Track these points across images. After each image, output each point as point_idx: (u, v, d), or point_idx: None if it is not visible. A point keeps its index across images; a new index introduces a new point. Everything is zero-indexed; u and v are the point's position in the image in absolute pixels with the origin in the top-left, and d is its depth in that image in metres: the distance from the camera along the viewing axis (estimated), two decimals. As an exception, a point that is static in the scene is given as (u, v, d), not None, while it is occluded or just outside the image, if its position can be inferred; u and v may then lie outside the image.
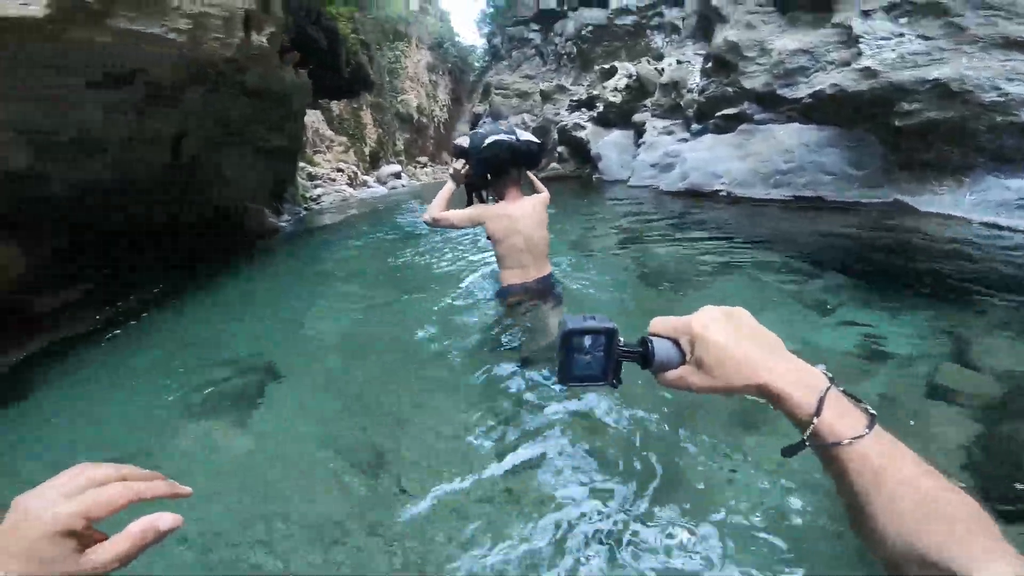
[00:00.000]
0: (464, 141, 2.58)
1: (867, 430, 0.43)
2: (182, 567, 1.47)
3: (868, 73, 5.00)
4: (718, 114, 7.27)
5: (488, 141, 2.41)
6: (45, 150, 4.48)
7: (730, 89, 6.90)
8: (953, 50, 4.52)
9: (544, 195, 2.66)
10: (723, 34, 6.82)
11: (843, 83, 5.21)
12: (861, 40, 5.10)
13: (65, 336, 4.04)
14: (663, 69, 10.32)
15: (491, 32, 21.68)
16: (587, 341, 0.55)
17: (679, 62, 9.56)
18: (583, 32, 14.86)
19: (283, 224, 9.90)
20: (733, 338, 0.49)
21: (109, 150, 5.21)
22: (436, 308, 3.37)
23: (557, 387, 2.14)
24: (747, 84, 6.51)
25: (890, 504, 0.41)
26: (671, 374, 0.53)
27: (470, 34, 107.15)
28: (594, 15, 14.17)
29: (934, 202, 4.89)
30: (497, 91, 19.09)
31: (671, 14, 12.00)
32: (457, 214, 2.48)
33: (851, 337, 2.63)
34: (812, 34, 5.70)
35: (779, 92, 6.07)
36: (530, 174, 2.71)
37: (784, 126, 6.08)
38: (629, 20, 13.41)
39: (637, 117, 10.84)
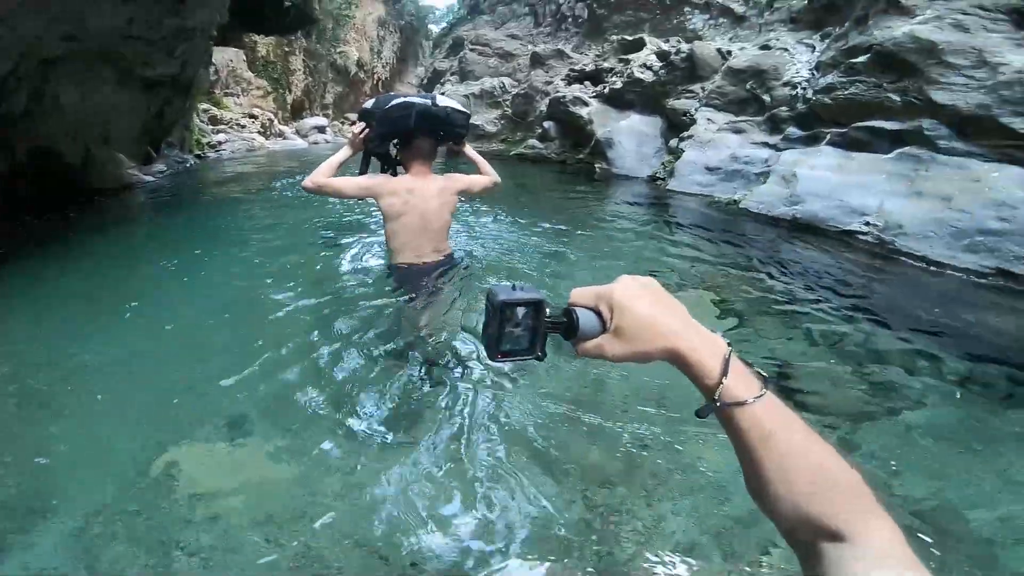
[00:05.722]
0: (369, 101, 2.38)
1: (764, 391, 0.48)
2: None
3: None
4: (858, 124, 5.27)
5: (394, 102, 2.23)
6: None
7: (896, 97, 4.93)
8: None
9: (478, 179, 2.50)
10: (905, 28, 4.91)
11: None
12: None
13: None
14: (731, 51, 8.28)
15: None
16: (519, 313, 0.55)
17: (765, 47, 7.53)
18: (604, -7, 12.51)
19: (149, 178, 7.01)
20: (650, 306, 0.53)
21: None
22: (321, 303, 2.78)
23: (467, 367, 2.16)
24: (941, 99, 4.63)
25: (781, 470, 0.46)
26: (590, 343, 0.56)
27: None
28: (621, -28, 11.86)
29: None
30: (473, 47, 16.21)
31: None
32: (346, 181, 2.29)
33: None
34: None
35: (1003, 121, 4.22)
36: (472, 152, 2.54)
37: (1000, 167, 4.26)
38: (666, -12, 11.27)
39: (677, 103, 8.76)
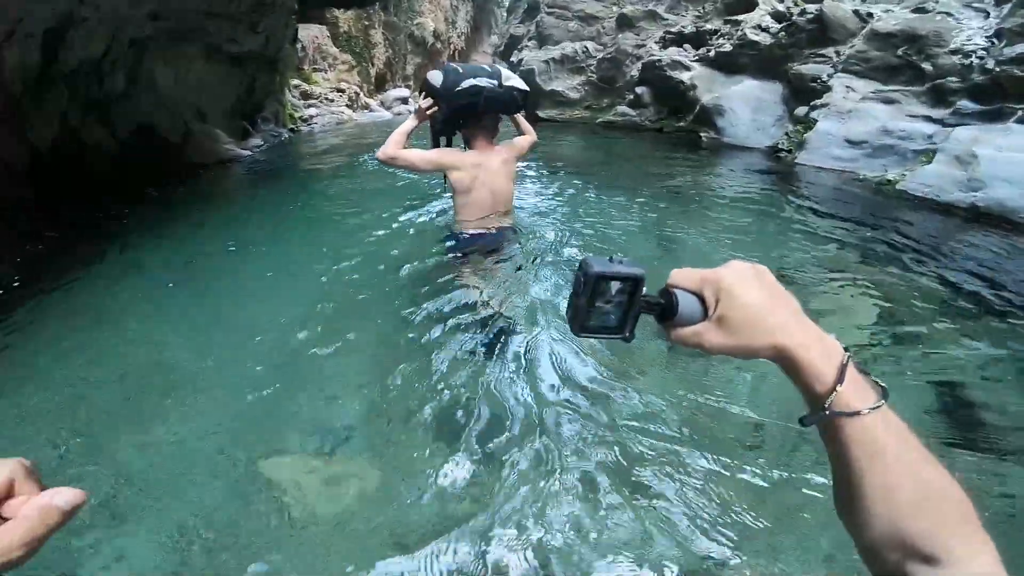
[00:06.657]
0: (436, 77, 2.31)
1: (881, 402, 0.43)
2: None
3: None
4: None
5: (464, 85, 2.24)
6: None
7: None
8: None
9: (522, 140, 2.60)
10: None
11: None
12: None
13: None
14: (871, 13, 7.12)
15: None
16: (614, 288, 0.50)
17: (921, 10, 6.36)
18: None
19: (246, 152, 7.15)
20: (762, 297, 0.48)
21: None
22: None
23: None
24: None
25: (884, 486, 0.41)
26: (687, 330, 0.50)
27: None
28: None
29: None
30: (550, 10, 15.30)
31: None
32: (419, 154, 2.34)
33: None
34: None
35: None
36: (519, 117, 2.63)
37: None
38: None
39: (804, 68, 7.77)
